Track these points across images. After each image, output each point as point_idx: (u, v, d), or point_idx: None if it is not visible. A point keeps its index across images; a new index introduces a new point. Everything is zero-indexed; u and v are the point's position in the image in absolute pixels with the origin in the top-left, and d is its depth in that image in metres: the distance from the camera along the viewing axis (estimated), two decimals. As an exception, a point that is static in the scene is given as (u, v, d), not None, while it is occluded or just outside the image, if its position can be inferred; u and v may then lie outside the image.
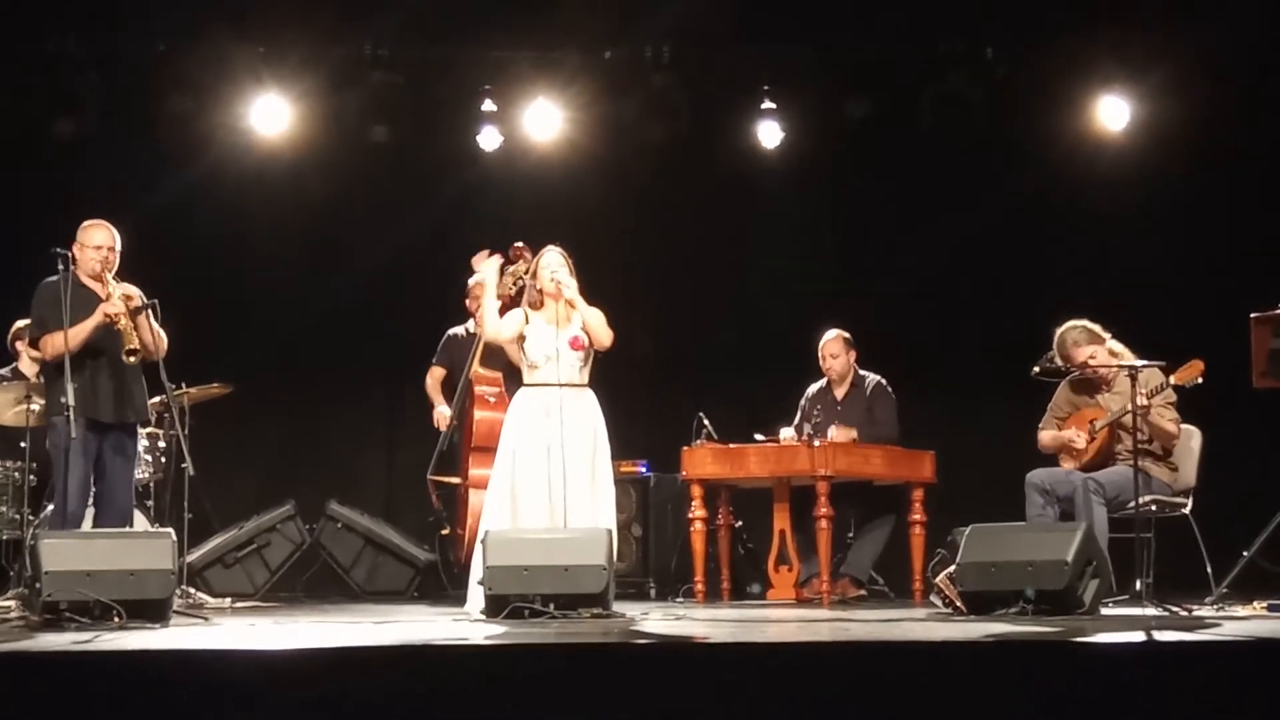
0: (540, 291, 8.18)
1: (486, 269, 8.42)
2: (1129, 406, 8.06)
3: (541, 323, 8.16)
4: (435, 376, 9.99)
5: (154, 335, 8.05)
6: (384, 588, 10.55)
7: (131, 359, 7.93)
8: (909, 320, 11.18)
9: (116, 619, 6.81)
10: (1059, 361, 8.52)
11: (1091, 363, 8.44)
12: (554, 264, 8.16)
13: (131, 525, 8.31)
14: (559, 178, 11.18)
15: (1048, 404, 8.72)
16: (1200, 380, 8.09)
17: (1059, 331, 8.55)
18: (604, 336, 8.11)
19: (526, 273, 8.43)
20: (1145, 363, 8.19)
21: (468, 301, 9.86)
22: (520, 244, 8.80)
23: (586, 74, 10.93)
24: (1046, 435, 8.70)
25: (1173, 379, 8.14)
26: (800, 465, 9.04)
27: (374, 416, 11.77)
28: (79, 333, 7.89)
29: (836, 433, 9.34)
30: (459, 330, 9.99)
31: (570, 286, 8.09)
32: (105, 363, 8.06)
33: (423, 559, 10.59)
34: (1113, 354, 8.44)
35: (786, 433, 9.48)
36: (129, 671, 5.44)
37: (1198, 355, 8.13)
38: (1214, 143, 10.52)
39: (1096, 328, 8.49)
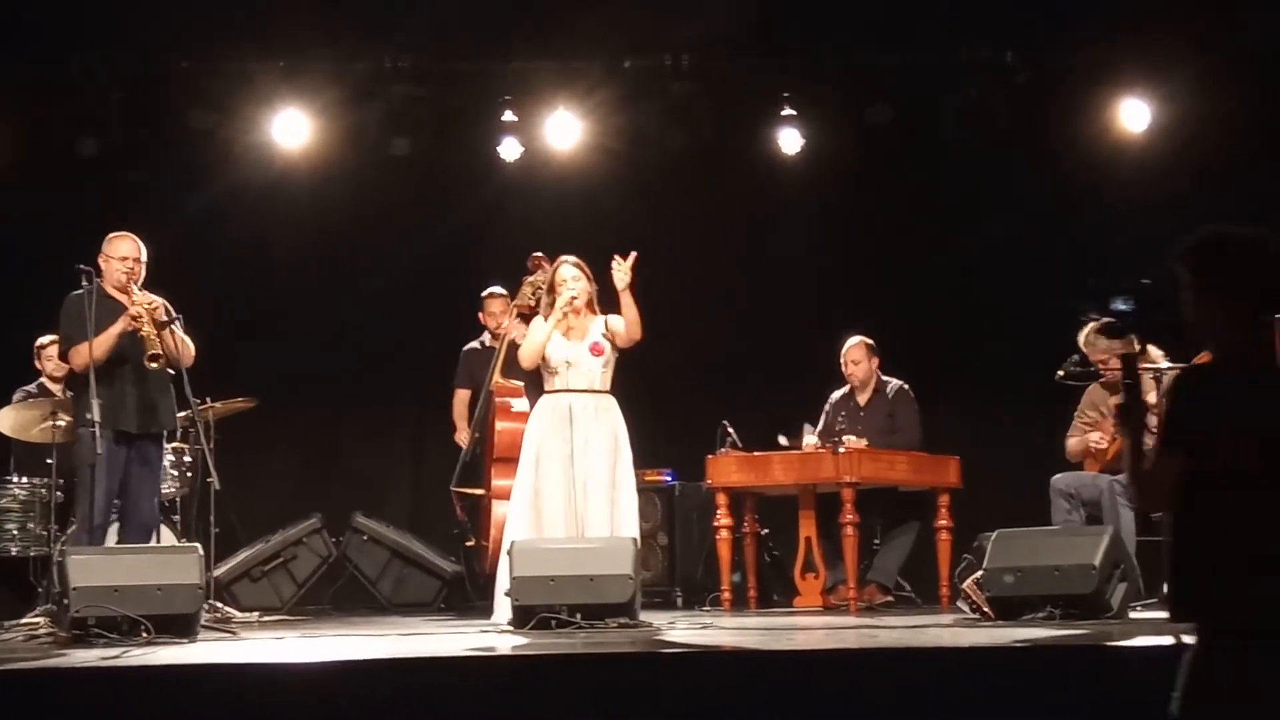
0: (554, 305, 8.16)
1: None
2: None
3: (560, 332, 8.15)
4: (461, 400, 10.00)
5: (180, 345, 8.04)
6: (410, 600, 10.54)
7: (154, 364, 7.90)
8: (932, 326, 11.13)
9: (144, 634, 6.84)
10: (1086, 354, 8.44)
11: (1113, 363, 8.38)
12: (569, 277, 8.15)
13: (158, 538, 8.28)
14: (580, 188, 11.18)
15: (1073, 408, 8.69)
16: None
17: (1086, 330, 8.46)
18: (636, 330, 8.04)
19: (544, 284, 8.43)
20: (1168, 365, 8.15)
21: (481, 315, 9.92)
22: (539, 254, 8.81)
23: (607, 83, 10.92)
24: (1073, 442, 8.67)
25: None
26: (825, 472, 9.00)
27: (398, 429, 11.77)
28: (104, 340, 7.87)
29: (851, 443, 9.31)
30: (475, 344, 10.02)
31: (584, 296, 8.08)
32: (130, 373, 8.03)
33: (449, 571, 10.58)
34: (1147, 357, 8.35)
35: (810, 440, 9.45)
36: (157, 686, 5.47)
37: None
38: (1236, 145, 10.47)
39: None
